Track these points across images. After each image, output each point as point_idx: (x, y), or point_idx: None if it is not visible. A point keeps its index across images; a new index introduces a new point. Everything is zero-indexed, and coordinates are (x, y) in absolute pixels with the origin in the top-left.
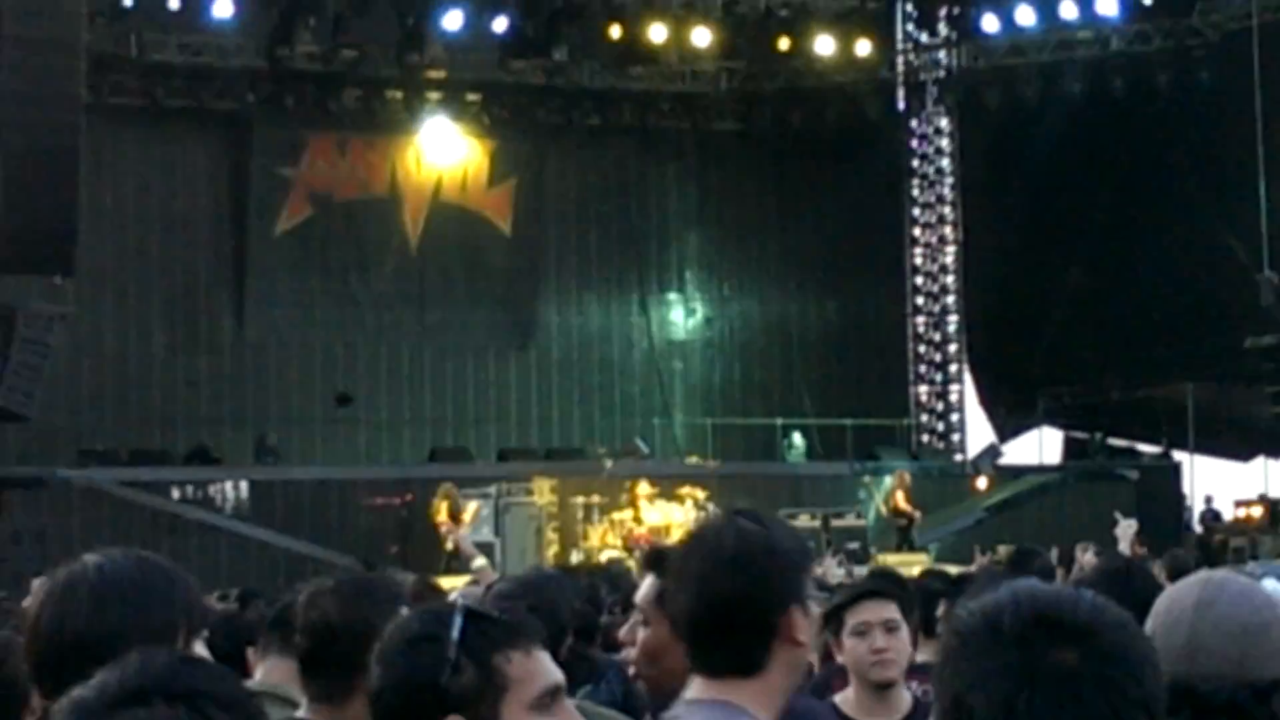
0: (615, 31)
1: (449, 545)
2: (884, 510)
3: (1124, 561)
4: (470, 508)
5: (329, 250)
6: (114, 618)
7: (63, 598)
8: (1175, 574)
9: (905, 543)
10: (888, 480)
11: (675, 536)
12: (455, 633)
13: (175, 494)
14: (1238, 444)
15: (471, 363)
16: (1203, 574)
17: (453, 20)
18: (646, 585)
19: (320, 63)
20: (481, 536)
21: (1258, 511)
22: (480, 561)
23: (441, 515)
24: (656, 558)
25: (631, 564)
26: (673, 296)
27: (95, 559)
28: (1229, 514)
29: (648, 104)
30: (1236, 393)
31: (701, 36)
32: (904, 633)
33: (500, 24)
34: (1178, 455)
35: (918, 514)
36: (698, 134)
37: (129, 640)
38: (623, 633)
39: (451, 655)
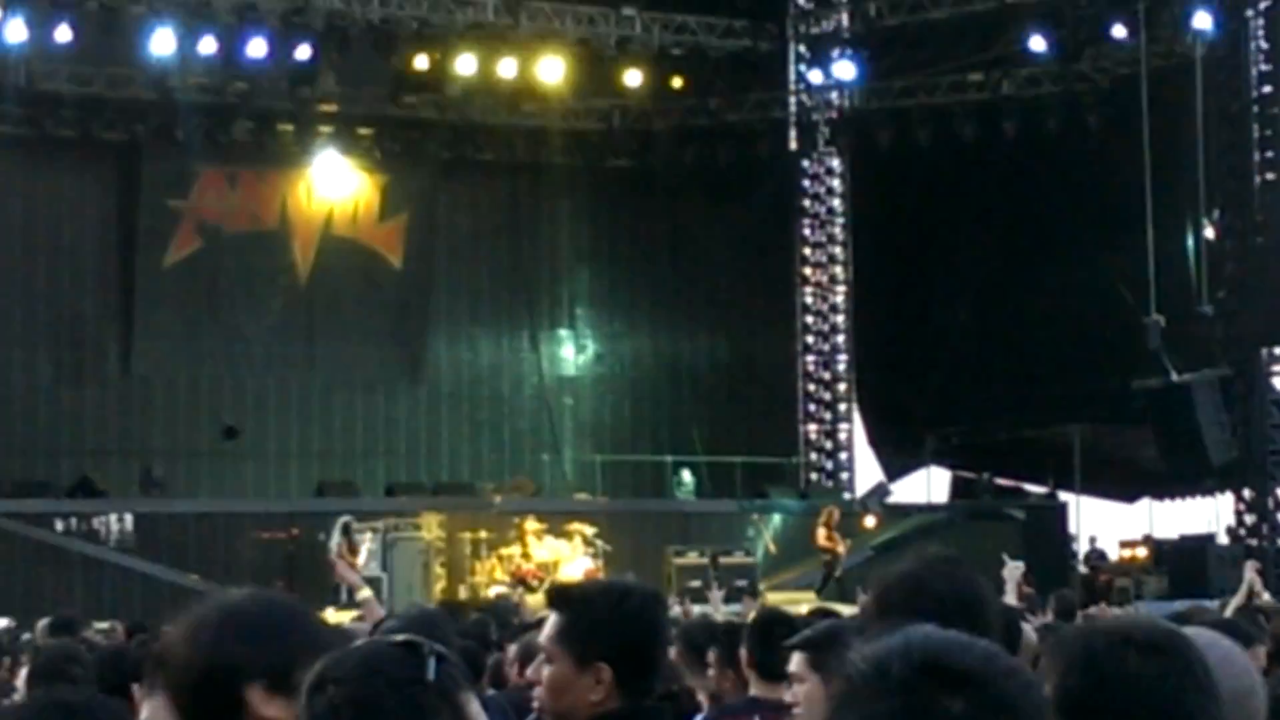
0: (509, 67)
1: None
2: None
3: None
4: (364, 544)
5: (218, 283)
6: (234, 652)
7: (190, 632)
8: (1062, 613)
9: (825, 582)
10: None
11: (563, 572)
12: (431, 674)
13: (59, 526)
14: (1123, 485)
15: (361, 397)
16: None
17: (345, 54)
18: (551, 623)
19: (211, 94)
20: (369, 571)
21: (1142, 552)
22: (365, 593)
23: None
24: (561, 595)
25: (521, 599)
26: (564, 332)
27: (224, 597)
28: (1114, 554)
29: (541, 140)
30: (1122, 434)
31: (595, 74)
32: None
33: (393, 59)
34: (1064, 496)
35: (842, 549)
36: (590, 171)
37: (248, 674)
38: (530, 671)
39: (431, 698)
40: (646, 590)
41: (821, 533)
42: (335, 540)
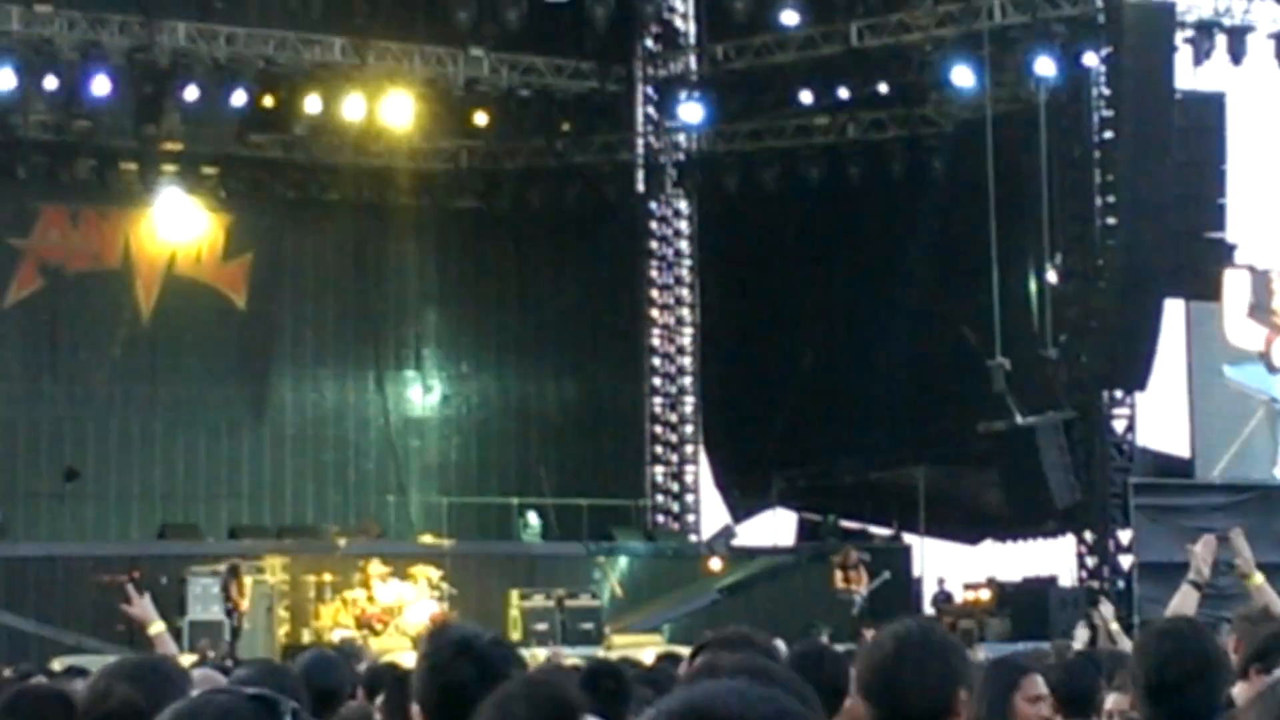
0: (356, 107)
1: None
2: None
3: (818, 648)
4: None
5: (59, 322)
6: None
7: None
8: None
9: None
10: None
11: (407, 616)
12: None
13: None
14: (967, 527)
15: (204, 438)
16: None
17: (191, 92)
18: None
19: (53, 132)
20: (211, 615)
21: (985, 594)
22: (158, 627)
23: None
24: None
25: (365, 643)
26: (410, 374)
27: None
28: (959, 597)
29: (387, 180)
30: (966, 477)
31: (443, 114)
32: None
33: (239, 97)
34: (909, 538)
35: (861, 588)
36: (437, 212)
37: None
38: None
39: None
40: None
41: (838, 575)
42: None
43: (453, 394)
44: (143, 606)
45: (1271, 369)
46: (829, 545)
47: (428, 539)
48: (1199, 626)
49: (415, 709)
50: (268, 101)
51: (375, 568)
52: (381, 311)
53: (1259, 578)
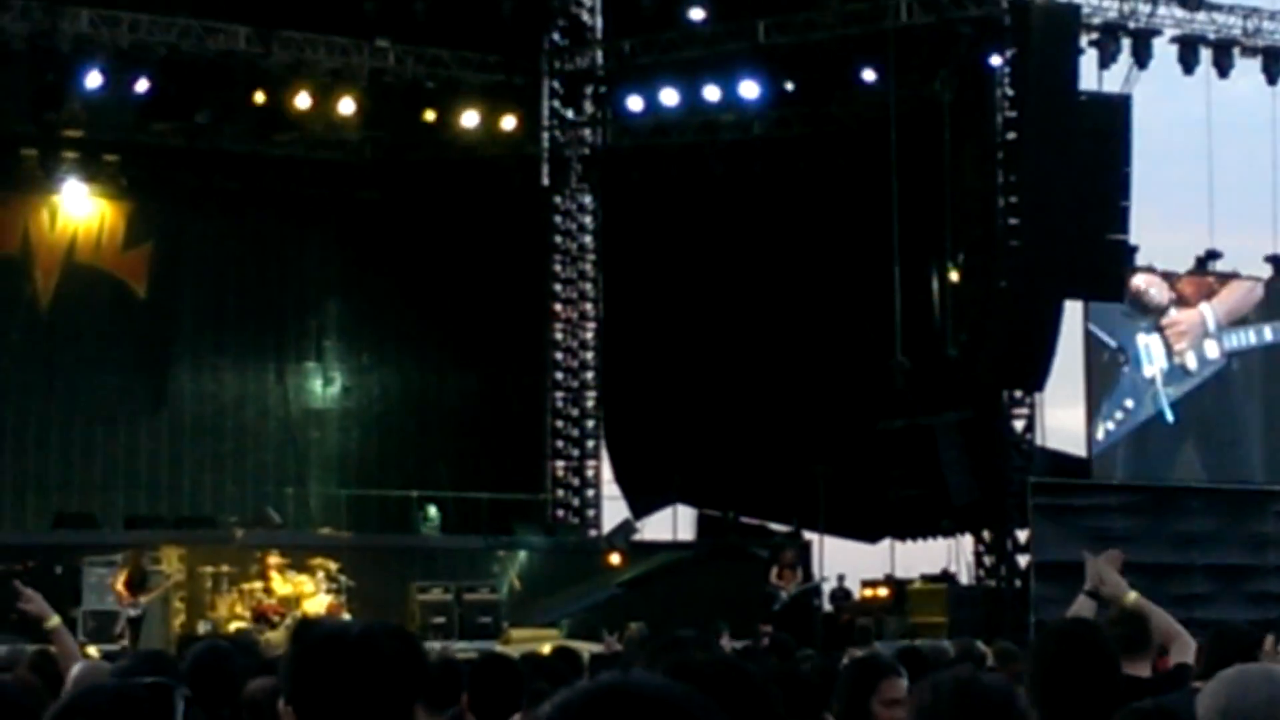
0: (259, 96)
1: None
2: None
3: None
4: (155, 584)
5: None
6: None
7: None
8: (781, 652)
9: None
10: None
11: (306, 608)
12: (179, 716)
13: None
14: (866, 525)
15: (101, 427)
16: None
17: (93, 79)
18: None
19: None
20: (106, 605)
21: (884, 592)
22: (54, 621)
23: (118, 584)
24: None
25: (264, 635)
26: (311, 365)
27: None
28: (858, 594)
29: (290, 171)
30: (866, 475)
31: (347, 105)
32: None
33: (142, 84)
34: (808, 535)
35: (788, 586)
36: (341, 203)
37: None
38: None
39: None
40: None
41: (774, 571)
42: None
43: (353, 386)
44: (36, 602)
45: (1143, 310)
46: (729, 541)
47: (326, 531)
48: (1092, 628)
49: (283, 706)
50: (171, 90)
51: (273, 559)
52: (283, 303)
53: (1132, 595)
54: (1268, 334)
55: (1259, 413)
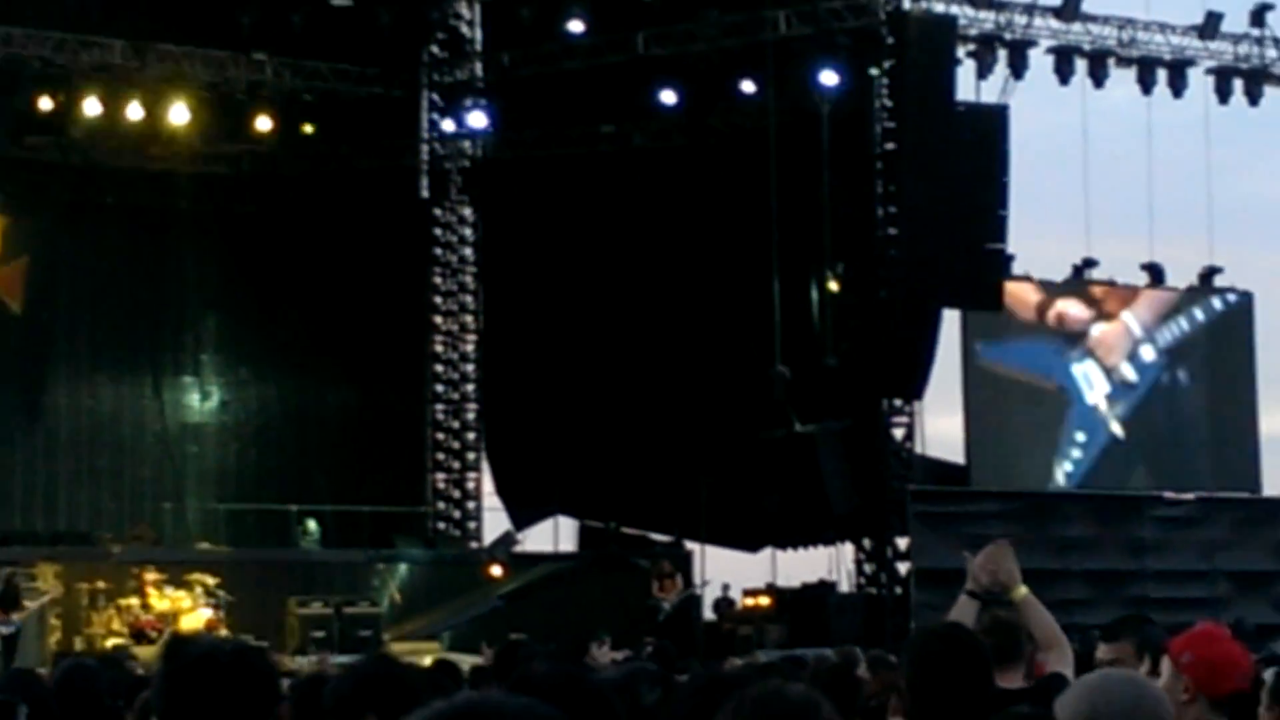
0: (135, 110)
1: None
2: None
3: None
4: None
5: None
6: None
7: None
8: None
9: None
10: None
11: (183, 624)
12: None
13: None
14: (746, 534)
15: None
16: None
17: None
18: None
19: None
20: None
21: (765, 600)
22: None
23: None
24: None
25: (137, 651)
26: (188, 379)
27: None
28: (739, 603)
29: (168, 184)
30: (747, 484)
31: (224, 118)
32: None
33: (16, 98)
34: (690, 545)
35: (668, 597)
36: (218, 216)
37: None
38: None
39: None
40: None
41: (655, 584)
42: None
43: (231, 400)
44: None
45: (1068, 340)
46: (611, 552)
47: (204, 546)
48: (963, 630)
49: None
50: (45, 103)
51: (151, 575)
52: (160, 317)
53: (1023, 590)
54: (1199, 314)
55: (1204, 411)
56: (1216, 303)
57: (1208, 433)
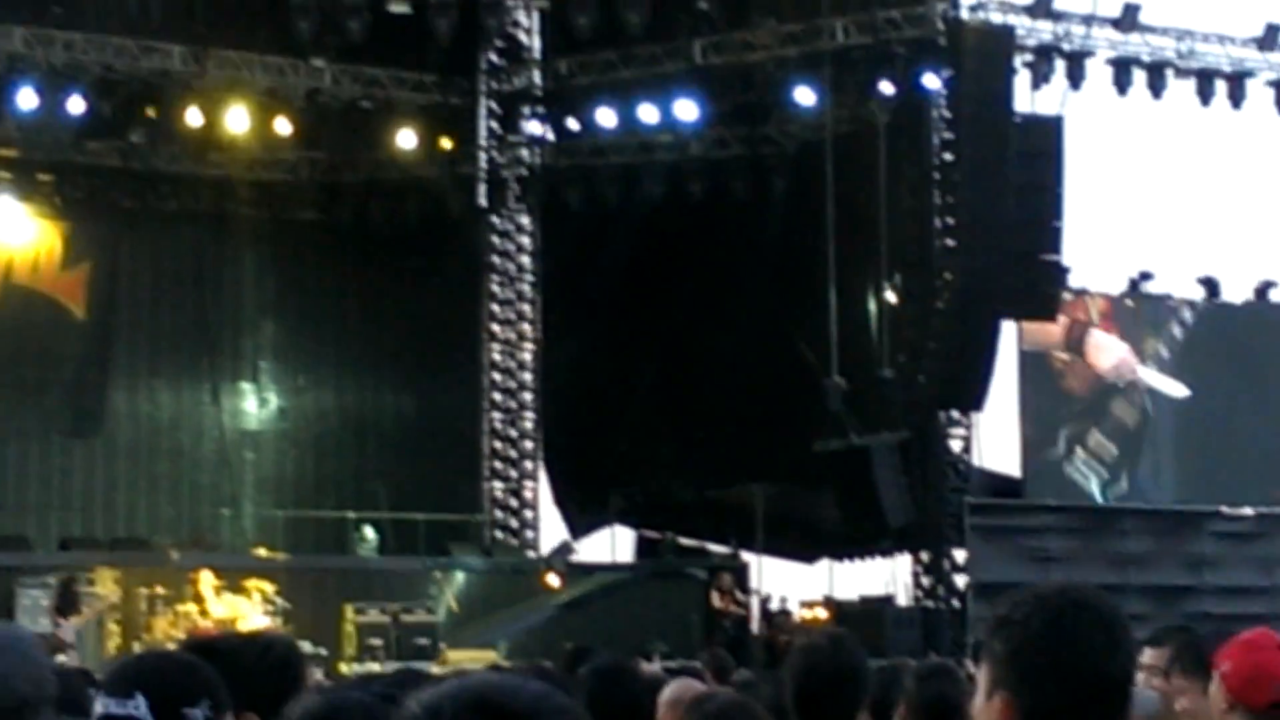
0: (195, 116)
1: None
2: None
3: (615, 663)
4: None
5: None
6: None
7: None
8: (717, 671)
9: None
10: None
11: (244, 629)
12: None
13: None
14: (803, 545)
15: (36, 448)
16: None
17: (26, 98)
18: None
19: None
20: (40, 627)
21: (822, 613)
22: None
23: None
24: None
25: None
26: (246, 386)
27: None
28: (796, 614)
29: (226, 190)
30: (803, 495)
31: (283, 124)
32: None
33: (76, 104)
34: (746, 556)
35: (734, 610)
36: (277, 223)
37: None
38: None
39: None
40: (288, 641)
41: (715, 595)
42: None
43: (289, 407)
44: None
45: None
46: (667, 563)
47: (262, 552)
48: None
49: None
50: (105, 109)
51: (208, 581)
52: (218, 323)
53: None
54: (1254, 327)
55: (1259, 425)
56: (1272, 315)
57: (1265, 446)
